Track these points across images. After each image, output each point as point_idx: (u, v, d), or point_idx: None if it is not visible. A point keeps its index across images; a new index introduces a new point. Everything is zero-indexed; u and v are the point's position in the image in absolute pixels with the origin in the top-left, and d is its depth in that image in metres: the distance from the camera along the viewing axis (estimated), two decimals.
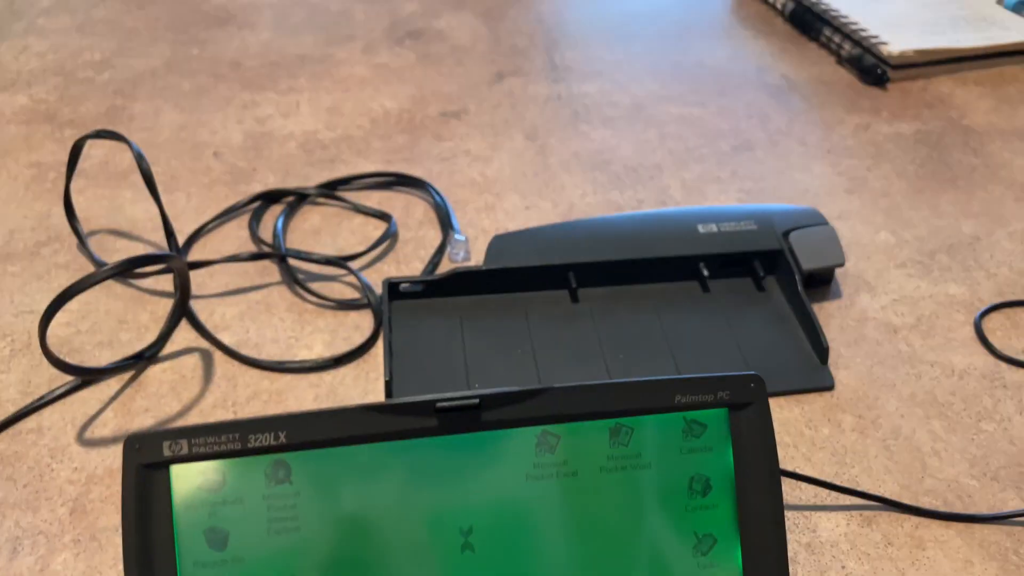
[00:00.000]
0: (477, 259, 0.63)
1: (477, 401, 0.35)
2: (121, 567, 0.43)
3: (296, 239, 0.65)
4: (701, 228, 0.61)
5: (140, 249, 0.64)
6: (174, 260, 0.52)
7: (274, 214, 0.67)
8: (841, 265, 0.59)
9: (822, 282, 0.61)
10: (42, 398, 0.52)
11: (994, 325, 0.58)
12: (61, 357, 0.49)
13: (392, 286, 0.58)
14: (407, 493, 0.35)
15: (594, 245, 0.60)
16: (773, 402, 0.52)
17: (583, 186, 0.71)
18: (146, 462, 0.33)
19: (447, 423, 0.35)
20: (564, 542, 0.36)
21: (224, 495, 0.34)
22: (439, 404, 0.34)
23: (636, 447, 0.36)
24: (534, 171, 0.73)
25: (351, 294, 0.60)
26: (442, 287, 0.58)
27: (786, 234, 0.60)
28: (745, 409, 0.36)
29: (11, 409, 0.51)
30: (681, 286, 0.60)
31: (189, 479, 0.34)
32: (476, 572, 0.35)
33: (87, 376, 0.52)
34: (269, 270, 0.62)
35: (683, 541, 0.36)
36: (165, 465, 0.34)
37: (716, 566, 0.36)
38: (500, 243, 0.60)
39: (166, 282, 0.61)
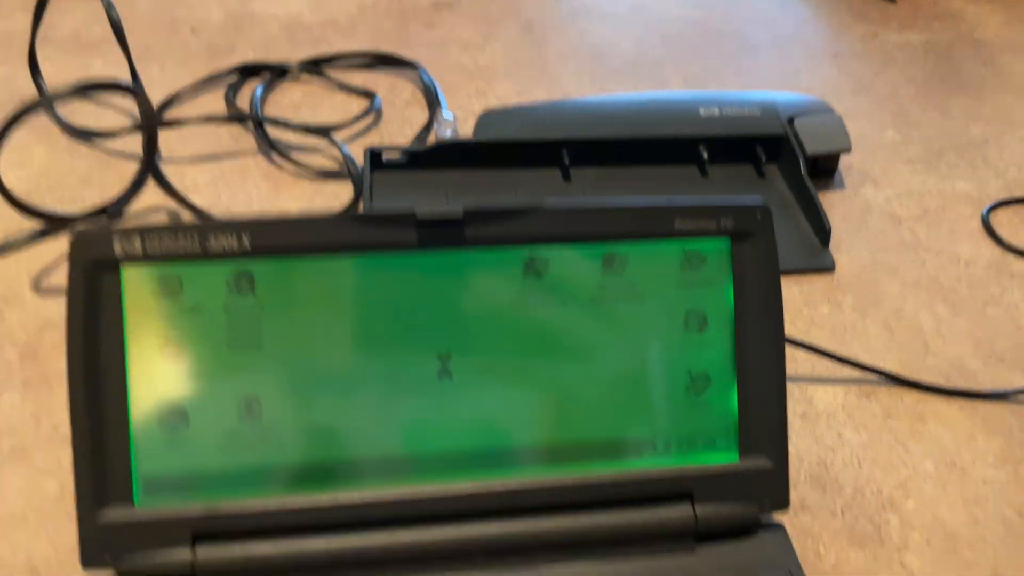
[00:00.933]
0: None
1: (460, 213, 0.32)
2: None
3: (274, 112, 0.61)
4: (703, 111, 0.58)
5: (110, 115, 0.60)
6: (139, 96, 0.49)
7: (252, 88, 0.63)
8: (847, 151, 0.56)
9: (825, 173, 0.58)
10: None
11: (1002, 220, 0.55)
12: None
13: (374, 155, 0.54)
14: (381, 313, 0.32)
15: (590, 123, 0.57)
16: None
17: (580, 77, 0.68)
18: (94, 258, 0.30)
19: (427, 237, 0.32)
20: (548, 374, 0.33)
21: (181, 303, 0.31)
22: (420, 215, 0.32)
23: (630, 277, 0.33)
24: (529, 60, 0.69)
25: (331, 166, 0.57)
26: (427, 159, 0.55)
27: (791, 120, 0.57)
28: (749, 240, 0.33)
29: None
30: (679, 170, 0.57)
31: (142, 283, 0.31)
32: (453, 400, 0.33)
33: (48, 222, 0.48)
34: (245, 140, 0.59)
35: (676, 379, 0.34)
36: (115, 265, 0.31)
37: (709, 406, 0.34)
38: (490, 117, 0.57)
39: (135, 145, 0.57)
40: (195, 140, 0.58)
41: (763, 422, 0.34)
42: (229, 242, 0.31)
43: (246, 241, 0.31)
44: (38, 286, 0.47)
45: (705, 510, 0.33)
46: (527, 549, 0.33)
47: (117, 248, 0.31)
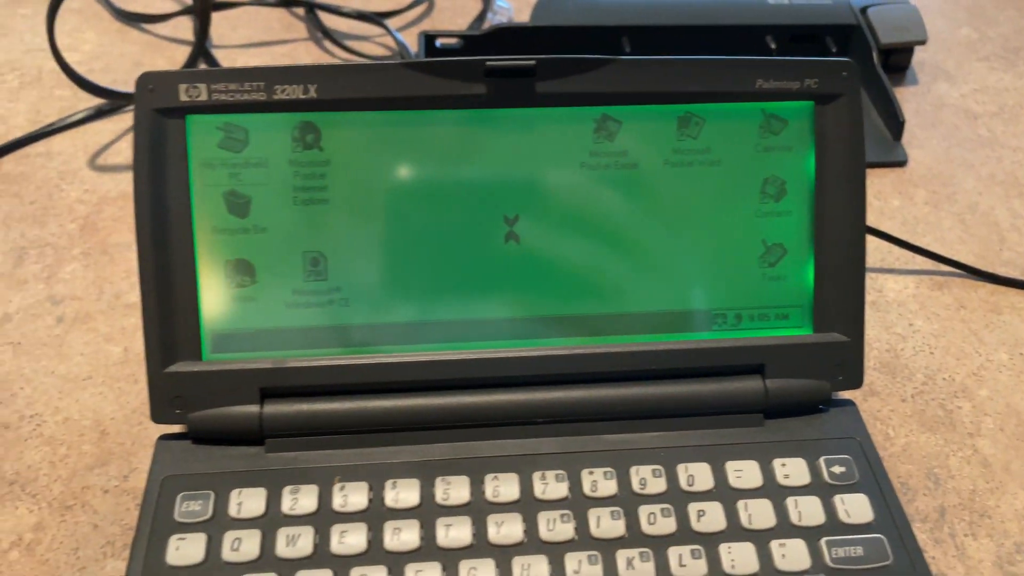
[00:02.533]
0: None
1: (533, 63, 0.31)
2: (132, 279, 0.40)
3: None
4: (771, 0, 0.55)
5: (159, 1, 0.59)
6: None
7: None
8: (923, 42, 0.53)
9: (898, 69, 0.55)
10: (52, 124, 0.48)
11: None
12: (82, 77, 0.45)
13: (429, 41, 0.53)
14: (448, 171, 0.31)
15: (652, 9, 0.54)
16: None
17: None
18: (160, 106, 0.30)
19: (497, 93, 0.31)
20: (617, 240, 0.32)
21: (246, 156, 0.31)
22: (490, 64, 0.30)
23: (706, 141, 0.32)
24: None
25: (383, 54, 0.55)
26: (483, 45, 0.53)
27: (863, 10, 0.54)
28: (833, 102, 0.32)
29: (19, 134, 0.48)
30: None
31: (208, 135, 0.30)
32: (518, 264, 0.32)
33: (106, 97, 0.48)
34: (296, 27, 0.57)
35: (749, 249, 0.33)
36: (181, 113, 0.30)
37: (784, 279, 0.33)
38: (548, 4, 0.55)
39: (185, 31, 0.56)
40: (246, 25, 0.57)
41: (839, 296, 0.33)
42: (295, 91, 0.30)
43: (312, 90, 0.30)
44: (94, 163, 0.47)
45: (776, 384, 0.33)
46: (592, 417, 0.32)
47: (182, 95, 0.30)
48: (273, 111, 0.30)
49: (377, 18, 0.56)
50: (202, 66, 0.53)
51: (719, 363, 0.33)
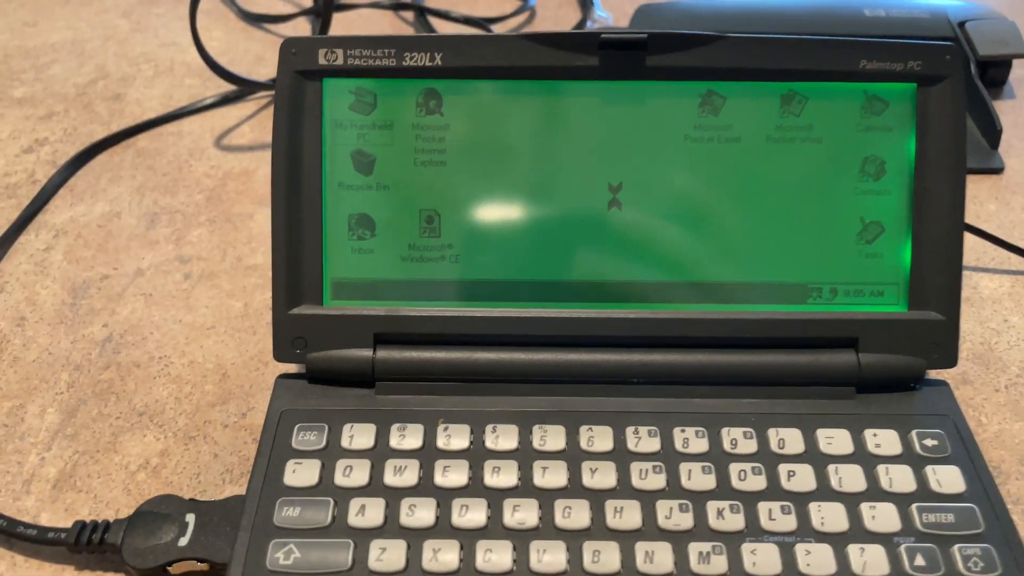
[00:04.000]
0: None
1: (644, 36, 0.32)
2: (253, 244, 0.43)
3: (436, 3, 0.63)
4: (868, 12, 0.56)
5: (280, 3, 0.63)
6: None
7: None
8: (1022, 56, 0.53)
9: (995, 84, 0.56)
10: (183, 108, 0.52)
11: None
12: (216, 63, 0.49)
13: None
14: (559, 138, 0.33)
15: (749, 20, 0.56)
16: None
17: None
18: (301, 68, 0.33)
19: (609, 66, 0.33)
20: (717, 212, 0.34)
21: (374, 118, 0.33)
22: (603, 36, 0.32)
23: (808, 118, 0.33)
24: None
25: None
26: None
27: (961, 24, 0.55)
28: (936, 85, 0.33)
29: (153, 116, 0.52)
30: None
31: (341, 96, 0.33)
32: (620, 231, 0.34)
33: (236, 83, 0.51)
34: (406, 31, 0.61)
35: (847, 226, 0.34)
36: (319, 75, 0.33)
37: (880, 256, 0.34)
38: (647, 12, 0.57)
39: (304, 30, 0.60)
40: (359, 27, 0.60)
41: (936, 275, 0.33)
42: (422, 58, 0.33)
43: (438, 58, 0.33)
44: (220, 143, 0.50)
45: (869, 359, 0.33)
46: (686, 380, 0.33)
47: (321, 58, 0.33)
48: (400, 77, 0.33)
49: (482, 21, 0.59)
50: None
51: (813, 335, 0.33)
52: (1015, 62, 0.56)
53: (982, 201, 0.47)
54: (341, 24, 0.60)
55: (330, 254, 0.34)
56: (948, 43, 0.33)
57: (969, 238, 0.43)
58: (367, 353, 0.33)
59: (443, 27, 0.60)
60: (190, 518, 0.30)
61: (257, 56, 0.58)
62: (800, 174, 0.33)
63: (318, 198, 0.33)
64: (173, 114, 0.52)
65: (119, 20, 0.62)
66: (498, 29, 0.60)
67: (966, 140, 0.33)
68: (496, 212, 0.34)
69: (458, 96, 0.33)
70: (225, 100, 0.53)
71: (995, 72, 0.55)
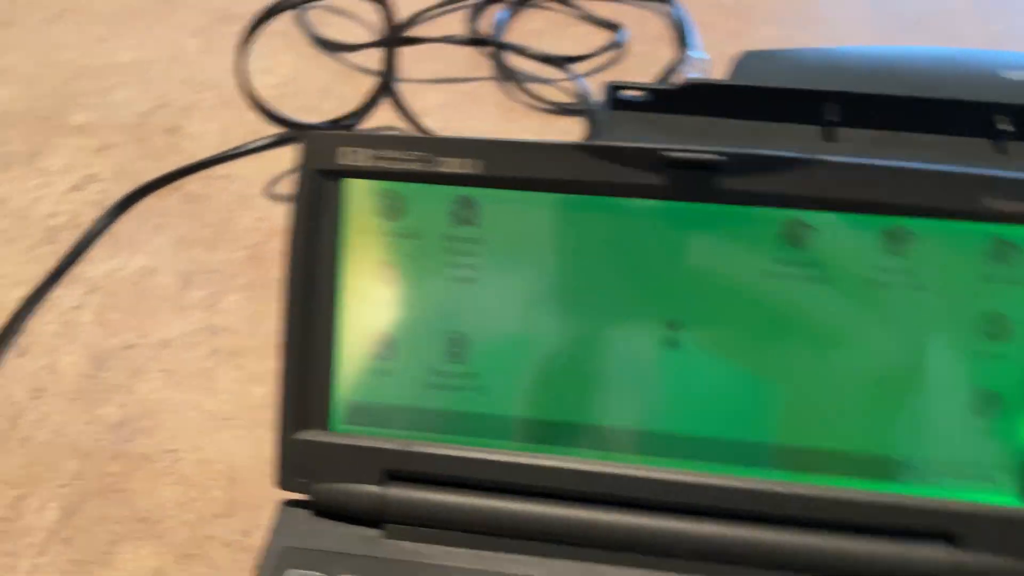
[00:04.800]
0: None
1: (717, 157, 0.27)
2: None
3: (515, 39, 0.58)
4: (1004, 74, 0.48)
5: (355, 29, 0.60)
6: (385, 8, 0.47)
7: (495, 11, 0.61)
8: None
9: None
10: (238, 148, 0.50)
11: None
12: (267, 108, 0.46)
13: (613, 90, 0.50)
14: (610, 263, 0.28)
15: (863, 76, 0.49)
16: None
17: (857, 27, 0.60)
18: (320, 167, 0.29)
19: (674, 185, 0.28)
20: (795, 363, 0.28)
21: (400, 226, 0.29)
22: (668, 154, 0.27)
23: (916, 260, 0.27)
24: (798, 1, 0.62)
25: (565, 99, 0.53)
26: (673, 100, 0.50)
27: None
28: None
29: (207, 155, 0.49)
30: (968, 142, 0.48)
31: (364, 199, 0.29)
32: (675, 373, 0.29)
33: (288, 127, 0.49)
34: (481, 65, 0.56)
35: (956, 394, 0.28)
36: (339, 175, 0.29)
37: (993, 434, 0.28)
38: (752, 60, 0.51)
39: (376, 61, 0.57)
40: (432, 60, 0.57)
41: None
42: (458, 164, 0.28)
43: (478, 165, 0.28)
44: (270, 190, 0.47)
45: (967, 557, 0.27)
46: (741, 561, 0.28)
47: (340, 158, 0.29)
48: (433, 183, 0.29)
49: (562, 61, 0.54)
50: (385, 102, 0.53)
51: (900, 523, 0.28)
52: None
53: None
54: (411, 59, 0.56)
55: (342, 373, 0.30)
56: None
57: None
58: (376, 490, 0.29)
59: (520, 64, 0.56)
60: None
61: (323, 88, 0.55)
62: (900, 327, 0.28)
63: (331, 309, 0.30)
64: (227, 155, 0.49)
65: (189, 39, 0.60)
66: (583, 67, 0.55)
67: None
68: (530, 341, 0.29)
69: (497, 206, 0.29)
70: (282, 140, 0.50)
71: None
